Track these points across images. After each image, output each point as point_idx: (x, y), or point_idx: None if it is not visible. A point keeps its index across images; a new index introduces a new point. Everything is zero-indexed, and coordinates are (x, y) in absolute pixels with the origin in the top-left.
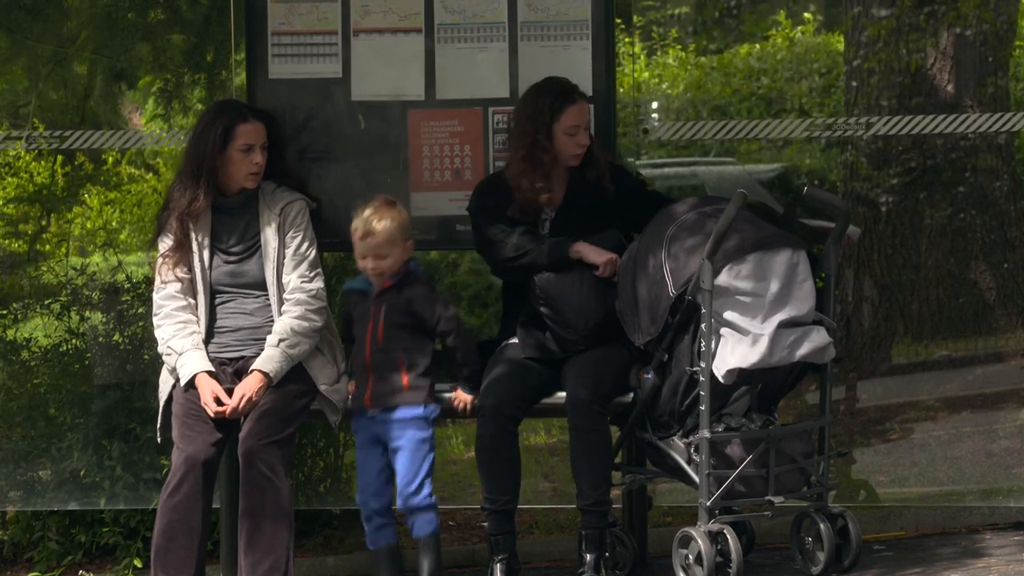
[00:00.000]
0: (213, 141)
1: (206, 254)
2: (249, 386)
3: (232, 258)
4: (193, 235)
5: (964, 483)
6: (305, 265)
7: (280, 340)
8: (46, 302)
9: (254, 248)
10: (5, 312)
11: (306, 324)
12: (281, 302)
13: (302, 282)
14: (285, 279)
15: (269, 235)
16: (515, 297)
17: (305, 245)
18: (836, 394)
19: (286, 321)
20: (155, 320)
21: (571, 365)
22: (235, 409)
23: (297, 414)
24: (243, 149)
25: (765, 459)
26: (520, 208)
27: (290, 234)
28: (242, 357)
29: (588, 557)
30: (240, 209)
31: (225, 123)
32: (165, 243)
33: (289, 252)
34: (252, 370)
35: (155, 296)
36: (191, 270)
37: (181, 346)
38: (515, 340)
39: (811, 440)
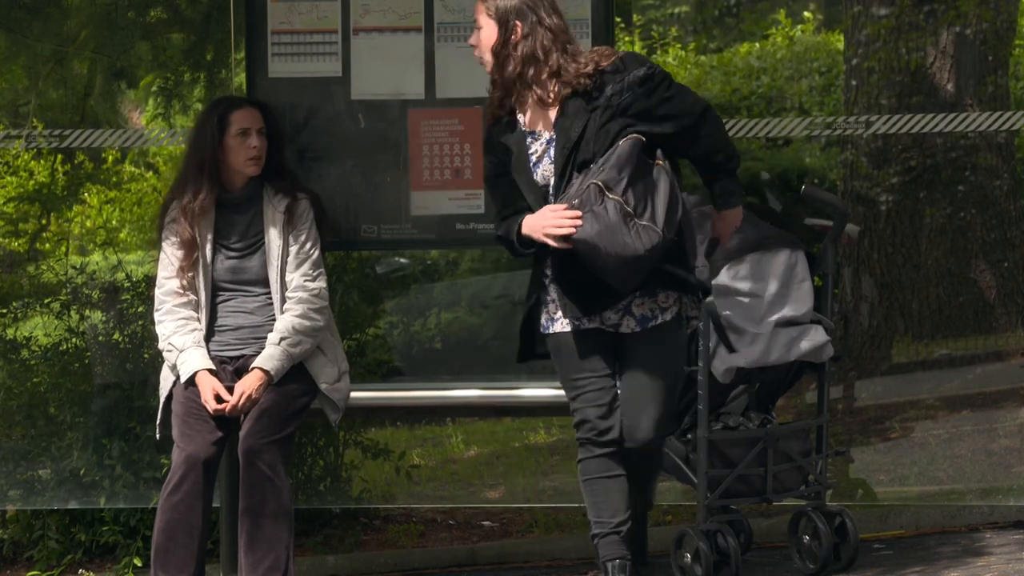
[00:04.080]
0: (211, 133)
1: (208, 250)
2: (249, 384)
3: (234, 254)
4: (196, 231)
5: (964, 482)
6: (308, 264)
7: (282, 338)
8: (46, 301)
9: (257, 245)
10: (5, 311)
11: (308, 323)
12: (283, 300)
13: (305, 281)
14: (288, 277)
15: (273, 233)
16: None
17: (309, 244)
18: (836, 393)
19: (288, 319)
20: (156, 316)
21: (626, 384)
22: (235, 407)
23: (297, 413)
24: (239, 134)
25: (763, 458)
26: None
27: (294, 232)
28: (242, 355)
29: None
30: (244, 205)
31: (219, 113)
32: (168, 239)
33: (293, 251)
34: (252, 368)
35: (156, 292)
36: (193, 266)
37: (182, 343)
38: (560, 318)
39: (809, 439)
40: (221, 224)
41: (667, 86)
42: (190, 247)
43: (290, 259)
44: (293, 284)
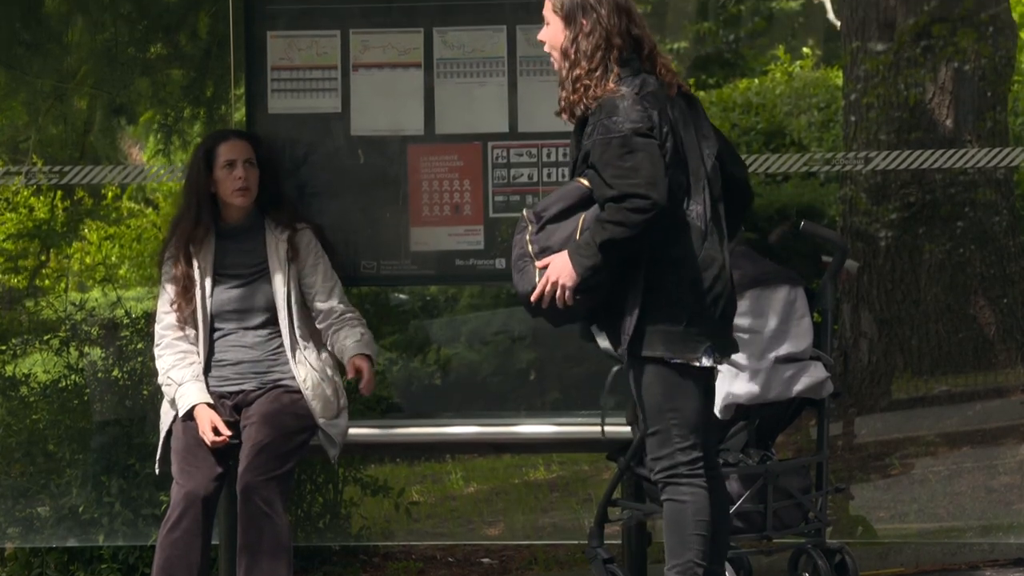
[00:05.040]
0: (198, 167)
1: (208, 283)
2: (365, 368)
3: (236, 286)
4: (195, 265)
5: (964, 519)
6: (339, 290)
7: (362, 334)
8: (45, 337)
9: (259, 276)
10: (4, 348)
11: (369, 335)
12: (292, 329)
13: (346, 306)
14: (325, 306)
15: (276, 264)
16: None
17: (330, 270)
18: (835, 429)
19: (356, 329)
20: (156, 351)
21: None
22: (365, 388)
23: (296, 449)
24: (226, 166)
25: (763, 494)
26: None
27: (309, 263)
28: (242, 391)
29: None
30: (244, 236)
31: (207, 147)
32: (167, 274)
33: (318, 281)
34: (356, 355)
35: (156, 327)
36: (191, 301)
37: (180, 377)
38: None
39: (809, 475)
40: (222, 256)
41: (615, 153)
42: (188, 282)
43: (318, 289)
44: (338, 311)
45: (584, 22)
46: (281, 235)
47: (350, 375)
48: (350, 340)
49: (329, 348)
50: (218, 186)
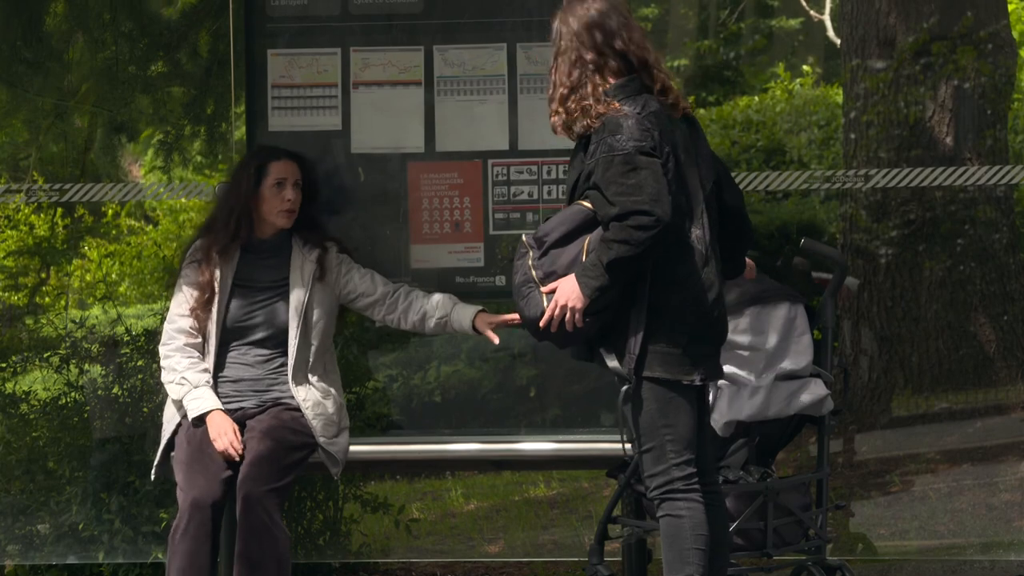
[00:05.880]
0: (246, 180)
1: (226, 295)
2: (492, 319)
3: (250, 297)
4: (217, 275)
5: (965, 536)
6: (379, 276)
7: (450, 297)
8: (45, 355)
9: (276, 292)
10: (4, 365)
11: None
12: (303, 347)
13: (392, 284)
14: (377, 294)
15: (299, 283)
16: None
17: (363, 270)
18: (836, 446)
19: (430, 296)
20: (163, 350)
21: None
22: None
23: (295, 464)
24: (275, 185)
25: (763, 512)
26: None
27: (343, 272)
28: (240, 408)
29: None
30: (270, 252)
31: (258, 162)
32: (188, 277)
33: (357, 283)
34: (475, 318)
35: (167, 326)
36: (208, 310)
37: (196, 380)
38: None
39: (809, 493)
40: (244, 269)
41: (619, 171)
42: (207, 290)
43: (362, 290)
44: (390, 291)
45: (560, 43)
46: (309, 254)
47: (491, 336)
48: (443, 309)
49: (409, 327)
50: (262, 203)
